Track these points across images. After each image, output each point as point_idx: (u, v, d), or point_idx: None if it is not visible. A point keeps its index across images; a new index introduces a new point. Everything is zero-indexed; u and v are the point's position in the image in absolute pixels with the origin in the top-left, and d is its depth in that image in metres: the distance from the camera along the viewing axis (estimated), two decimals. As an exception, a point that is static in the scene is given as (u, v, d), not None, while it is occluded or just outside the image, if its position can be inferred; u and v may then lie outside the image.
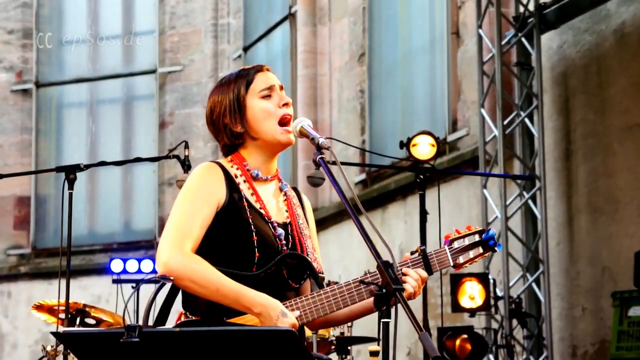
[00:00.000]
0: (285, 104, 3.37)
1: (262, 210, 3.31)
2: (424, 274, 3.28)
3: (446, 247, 3.37)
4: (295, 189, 3.53)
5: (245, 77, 3.39)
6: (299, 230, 3.38)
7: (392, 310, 2.87)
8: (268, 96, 3.37)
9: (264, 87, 3.37)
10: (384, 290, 2.87)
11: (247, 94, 3.36)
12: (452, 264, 3.36)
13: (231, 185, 3.30)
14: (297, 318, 3.16)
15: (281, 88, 3.41)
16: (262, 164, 3.38)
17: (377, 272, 2.99)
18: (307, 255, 3.34)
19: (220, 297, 3.15)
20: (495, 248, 3.45)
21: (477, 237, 3.41)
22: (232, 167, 3.36)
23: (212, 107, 3.39)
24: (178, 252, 3.16)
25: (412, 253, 3.35)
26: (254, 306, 3.13)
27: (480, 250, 3.41)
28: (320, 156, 3.15)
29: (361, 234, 3.03)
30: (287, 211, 3.40)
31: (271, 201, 3.38)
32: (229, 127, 3.36)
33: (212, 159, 13.53)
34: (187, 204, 3.23)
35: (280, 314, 3.12)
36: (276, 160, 3.45)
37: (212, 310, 3.20)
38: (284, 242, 3.30)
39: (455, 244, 3.38)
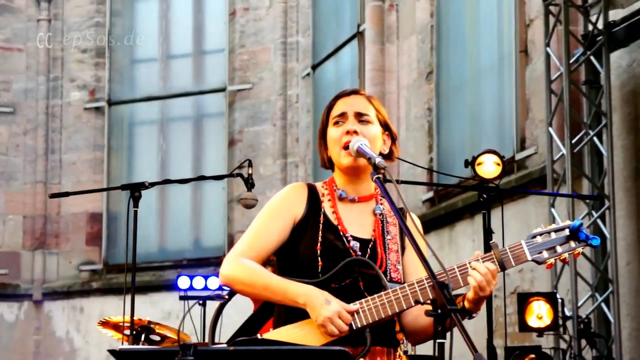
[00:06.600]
0: (348, 132, 3.40)
1: (338, 226, 3.39)
2: (492, 266, 3.17)
3: (522, 241, 3.24)
4: (401, 210, 3.43)
5: (331, 103, 3.50)
6: (383, 245, 3.40)
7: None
8: (340, 122, 3.44)
9: (336, 114, 3.46)
10: (439, 311, 2.88)
11: (328, 122, 3.48)
12: (529, 258, 3.21)
13: (313, 203, 3.43)
14: (354, 314, 3.19)
15: (357, 115, 3.43)
16: (347, 186, 3.47)
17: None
18: (387, 267, 3.37)
19: (269, 293, 3.30)
20: (589, 242, 3.14)
21: (566, 232, 3.21)
22: (323, 187, 3.49)
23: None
24: (232, 262, 3.35)
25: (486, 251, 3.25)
26: (299, 297, 3.24)
27: (572, 244, 3.20)
28: (376, 176, 3.18)
29: (417, 254, 3.04)
30: (374, 230, 3.43)
31: (355, 219, 3.44)
32: (320, 151, 3.51)
33: (281, 176, 13.41)
34: (259, 219, 3.42)
35: (324, 302, 3.20)
36: (366, 183, 3.47)
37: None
38: (359, 253, 3.35)
39: (539, 239, 3.24)
